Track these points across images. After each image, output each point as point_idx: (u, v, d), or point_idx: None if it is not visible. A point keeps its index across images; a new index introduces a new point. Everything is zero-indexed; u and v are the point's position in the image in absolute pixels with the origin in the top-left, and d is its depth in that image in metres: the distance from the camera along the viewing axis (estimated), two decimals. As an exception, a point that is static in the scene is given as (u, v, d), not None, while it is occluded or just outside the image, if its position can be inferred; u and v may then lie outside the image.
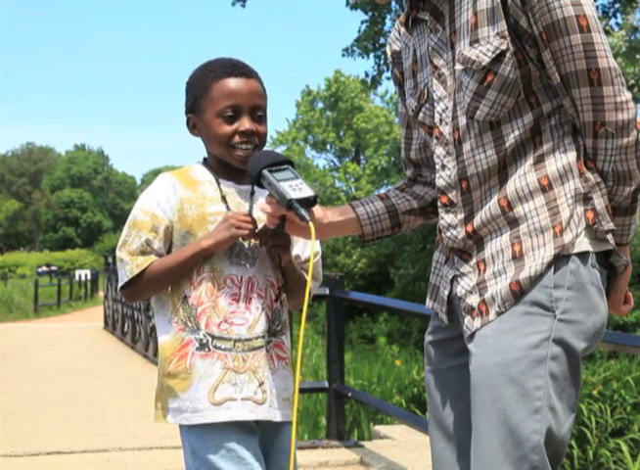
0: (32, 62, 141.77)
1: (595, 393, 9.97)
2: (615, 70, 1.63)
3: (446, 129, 1.74)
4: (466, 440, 1.71)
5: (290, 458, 1.75)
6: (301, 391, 5.76)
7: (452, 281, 1.77)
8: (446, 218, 1.76)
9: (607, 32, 15.37)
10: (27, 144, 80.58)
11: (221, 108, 1.95)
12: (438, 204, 1.78)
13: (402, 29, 1.90)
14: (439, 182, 1.77)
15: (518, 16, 1.64)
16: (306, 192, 1.78)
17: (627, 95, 1.64)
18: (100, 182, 77.02)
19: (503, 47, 1.64)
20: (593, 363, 12.98)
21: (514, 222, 1.66)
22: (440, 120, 1.75)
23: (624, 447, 8.27)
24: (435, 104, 1.76)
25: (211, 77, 1.98)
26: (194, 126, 2.03)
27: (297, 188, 1.78)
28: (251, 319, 1.95)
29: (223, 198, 1.98)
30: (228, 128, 1.95)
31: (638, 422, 9.64)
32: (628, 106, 1.64)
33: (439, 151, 1.76)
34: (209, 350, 1.92)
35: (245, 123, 1.95)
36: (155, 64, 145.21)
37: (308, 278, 1.82)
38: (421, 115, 1.82)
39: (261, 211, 1.86)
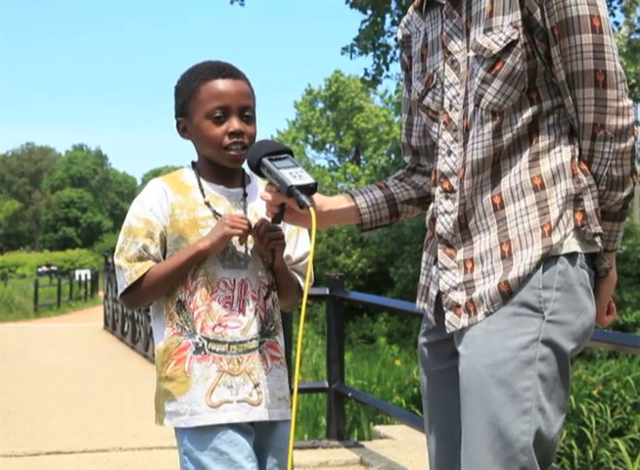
0: (32, 62, 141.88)
1: (595, 393, 9.97)
2: (620, 74, 1.64)
3: (456, 116, 1.74)
4: (461, 441, 1.70)
5: (288, 457, 1.76)
6: (301, 391, 5.77)
7: (439, 283, 1.76)
8: (444, 204, 1.75)
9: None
10: (27, 144, 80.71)
11: (210, 109, 1.96)
12: (439, 189, 1.77)
13: (415, 14, 1.90)
14: (444, 168, 1.76)
15: (532, 8, 1.64)
16: (307, 179, 1.78)
17: (629, 102, 1.65)
18: (98, 182, 77.00)
19: (514, 37, 1.64)
20: (593, 363, 12.97)
21: (503, 221, 1.66)
22: (450, 106, 1.75)
23: (623, 447, 8.27)
24: (446, 89, 1.76)
25: (199, 80, 1.99)
26: (184, 129, 2.04)
27: (297, 175, 1.78)
28: (244, 322, 1.97)
29: (207, 203, 1.99)
30: (218, 130, 1.96)
31: (638, 422, 9.64)
32: (629, 112, 1.65)
33: (447, 136, 1.76)
34: (205, 353, 1.94)
35: (234, 124, 1.96)
36: (155, 64, 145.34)
37: (307, 274, 1.81)
38: (427, 99, 1.82)
39: (261, 198, 1.86)
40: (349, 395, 5.27)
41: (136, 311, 11.42)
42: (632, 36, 15.47)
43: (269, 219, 1.90)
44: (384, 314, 19.79)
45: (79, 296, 30.61)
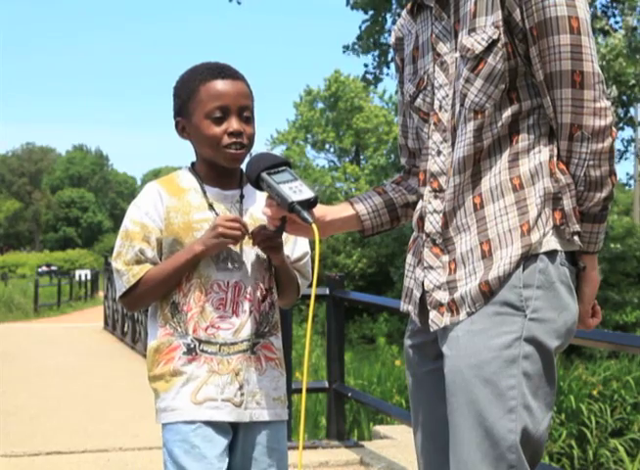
0: (32, 62, 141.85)
1: (595, 393, 9.97)
2: (598, 75, 1.64)
3: (445, 116, 1.75)
4: (448, 441, 1.71)
5: (299, 456, 1.76)
6: (301, 390, 5.76)
7: (424, 282, 1.77)
8: (433, 203, 1.76)
9: (607, 32, 15.38)
10: (27, 144, 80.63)
11: (209, 109, 1.97)
12: (428, 188, 1.78)
13: (407, 17, 1.91)
14: (433, 168, 1.77)
15: (512, 8, 1.65)
16: (307, 194, 1.78)
17: (607, 103, 1.65)
18: (98, 182, 76.94)
19: (495, 37, 1.66)
20: (593, 363, 12.99)
21: (482, 220, 1.67)
22: (440, 107, 1.77)
23: (621, 448, 8.27)
24: (436, 91, 1.78)
25: (199, 80, 2.00)
26: (183, 129, 2.05)
27: (297, 190, 1.78)
28: (237, 323, 1.98)
29: (210, 206, 2.00)
30: (217, 129, 1.97)
31: (638, 422, 9.65)
32: (606, 113, 1.65)
33: (436, 137, 1.77)
34: (196, 353, 1.96)
35: (233, 124, 1.97)
36: (154, 64, 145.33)
37: (313, 281, 1.82)
38: (418, 100, 1.83)
39: (263, 214, 1.87)
40: (349, 395, 5.27)
41: (136, 311, 11.43)
42: (632, 38, 15.43)
43: (270, 227, 1.90)
44: (384, 314, 19.82)
45: (79, 296, 30.60)
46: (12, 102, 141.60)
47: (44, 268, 46.00)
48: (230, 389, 1.95)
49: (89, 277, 32.64)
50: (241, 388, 1.96)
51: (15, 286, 31.21)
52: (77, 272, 36.28)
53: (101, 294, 23.13)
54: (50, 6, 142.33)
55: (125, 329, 12.82)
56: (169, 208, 2.00)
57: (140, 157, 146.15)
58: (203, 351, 1.95)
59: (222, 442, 1.94)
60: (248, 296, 1.99)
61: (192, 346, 1.96)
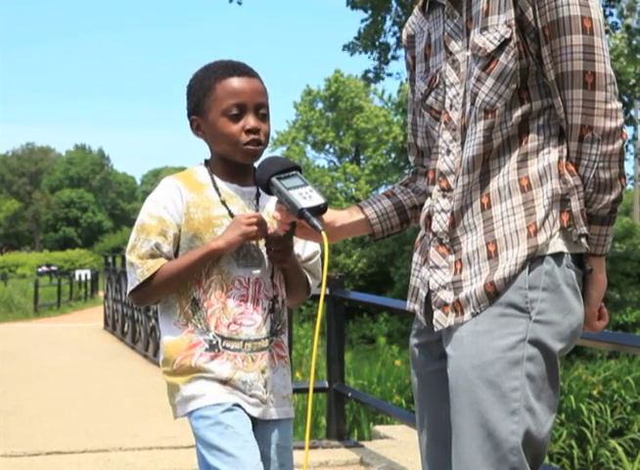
0: (32, 62, 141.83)
1: (595, 393, 9.98)
2: (610, 76, 1.63)
3: (455, 115, 1.75)
4: (452, 441, 1.70)
5: (305, 455, 1.76)
6: (302, 390, 5.76)
7: (429, 282, 1.76)
8: (441, 203, 1.75)
9: (606, 32, 15.38)
10: (27, 144, 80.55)
11: (226, 106, 1.97)
12: (437, 187, 1.77)
13: (419, 14, 1.90)
14: (443, 167, 1.76)
15: (525, 7, 1.64)
16: (317, 200, 1.78)
17: (618, 104, 1.65)
18: (98, 183, 76.92)
19: (507, 36, 1.65)
20: (593, 363, 13.00)
21: (489, 220, 1.66)
22: (451, 106, 1.76)
23: (619, 448, 8.27)
24: (447, 89, 1.77)
25: (214, 78, 1.99)
26: (198, 128, 2.04)
27: (307, 196, 1.78)
28: (258, 320, 1.98)
29: (223, 202, 2.00)
30: (234, 127, 1.97)
31: (638, 422, 9.65)
32: (617, 114, 1.64)
33: (446, 136, 1.77)
34: (219, 350, 1.95)
35: (250, 121, 1.97)
36: (155, 64, 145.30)
37: (322, 283, 1.81)
38: (430, 99, 1.82)
39: (273, 218, 1.88)
40: (349, 395, 5.27)
41: (136, 311, 11.43)
42: (632, 38, 15.44)
43: (279, 232, 1.90)
44: (384, 314, 19.82)
45: (79, 296, 30.59)
46: (12, 102, 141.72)
47: (44, 268, 45.98)
48: (257, 385, 1.95)
49: (89, 277, 32.61)
50: (266, 385, 1.97)
51: (15, 286, 31.19)
52: (77, 272, 36.26)
53: (101, 294, 23.12)
54: (50, 6, 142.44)
55: (125, 329, 12.82)
56: (189, 203, 1.98)
57: (140, 157, 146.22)
58: (225, 347, 1.95)
59: (249, 423, 1.94)
60: (266, 293, 2.00)
61: (214, 342, 1.95)
